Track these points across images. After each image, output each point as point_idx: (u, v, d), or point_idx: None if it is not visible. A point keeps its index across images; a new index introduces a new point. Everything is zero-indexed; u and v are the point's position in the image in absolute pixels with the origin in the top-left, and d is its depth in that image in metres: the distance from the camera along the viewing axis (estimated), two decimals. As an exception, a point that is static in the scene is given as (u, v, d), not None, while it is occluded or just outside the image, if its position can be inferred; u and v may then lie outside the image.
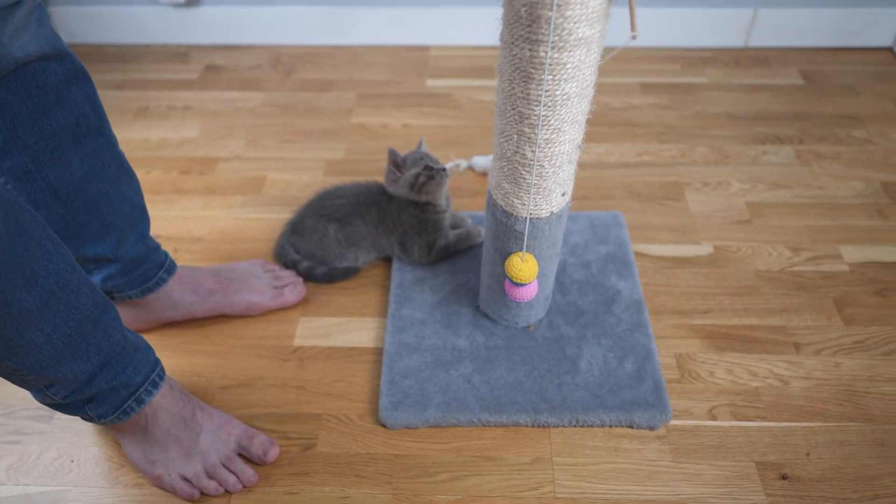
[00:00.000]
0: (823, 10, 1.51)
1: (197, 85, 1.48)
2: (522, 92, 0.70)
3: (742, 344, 0.98)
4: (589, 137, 1.34)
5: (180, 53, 1.57)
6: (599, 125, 1.37)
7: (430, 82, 1.48)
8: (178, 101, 1.44)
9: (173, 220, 1.17)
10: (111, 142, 0.83)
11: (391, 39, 1.59)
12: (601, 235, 1.10)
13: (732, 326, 1.01)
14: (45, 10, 0.71)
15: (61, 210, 0.79)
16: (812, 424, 0.89)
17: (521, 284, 0.83)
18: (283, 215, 1.17)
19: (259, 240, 1.13)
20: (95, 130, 0.79)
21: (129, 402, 0.78)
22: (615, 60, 1.54)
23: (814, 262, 1.10)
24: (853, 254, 1.11)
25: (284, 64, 1.54)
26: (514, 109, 0.72)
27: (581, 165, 1.27)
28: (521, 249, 0.84)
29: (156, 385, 0.80)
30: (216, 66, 1.54)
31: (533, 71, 0.68)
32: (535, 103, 0.70)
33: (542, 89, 0.69)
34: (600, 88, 1.47)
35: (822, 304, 1.04)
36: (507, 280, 0.85)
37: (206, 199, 1.21)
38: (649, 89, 1.47)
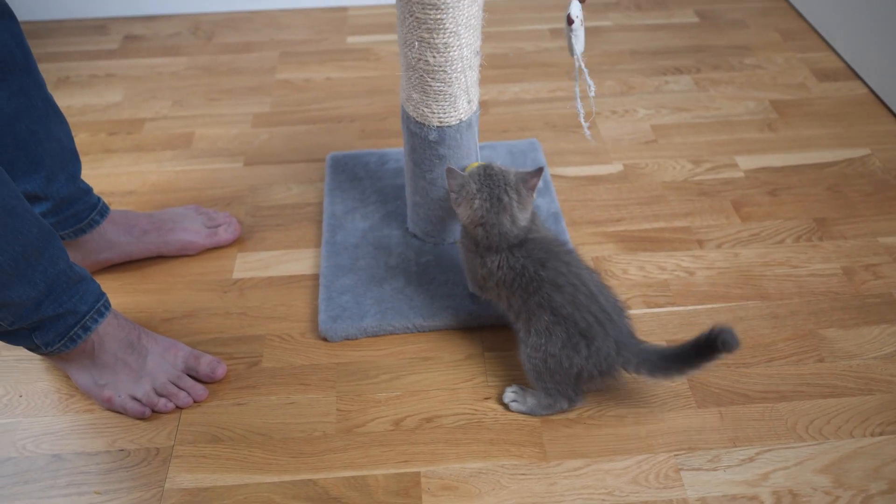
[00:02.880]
0: (713, -46, 1.63)
1: (118, 54, 1.49)
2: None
3: (652, 244, 1.07)
4: (505, 78, 1.42)
5: (98, 26, 1.57)
6: (515, 67, 1.45)
7: (351, 39, 1.53)
8: (100, 69, 1.44)
9: (104, 177, 1.18)
10: (38, 82, 0.85)
11: (309, 2, 1.62)
12: (519, 161, 1.18)
13: (643, 230, 1.10)
14: None
15: (-13, 146, 0.81)
16: (715, 306, 0.99)
17: None
18: (214, 165, 1.20)
19: (192, 189, 1.16)
20: (22, 69, 0.81)
21: (76, 329, 0.80)
22: (525, 9, 1.62)
23: (713, 172, 1.20)
24: (747, 162, 1.22)
25: (204, 30, 1.56)
26: (411, 16, 0.78)
27: (499, 103, 1.35)
28: (437, 160, 0.90)
29: (101, 314, 0.82)
30: (136, 36, 1.54)
31: (424, -26, 0.74)
32: (429, 7, 0.76)
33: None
34: (514, 35, 1.55)
35: (722, 206, 1.14)
36: None
37: (136, 155, 1.22)
38: (558, 34, 1.56)
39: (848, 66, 1.44)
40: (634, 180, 1.18)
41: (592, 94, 0.78)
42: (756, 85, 1.40)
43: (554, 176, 1.18)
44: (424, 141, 0.87)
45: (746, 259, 1.05)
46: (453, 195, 0.80)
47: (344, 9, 1.63)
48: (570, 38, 0.75)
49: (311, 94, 1.37)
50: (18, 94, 0.81)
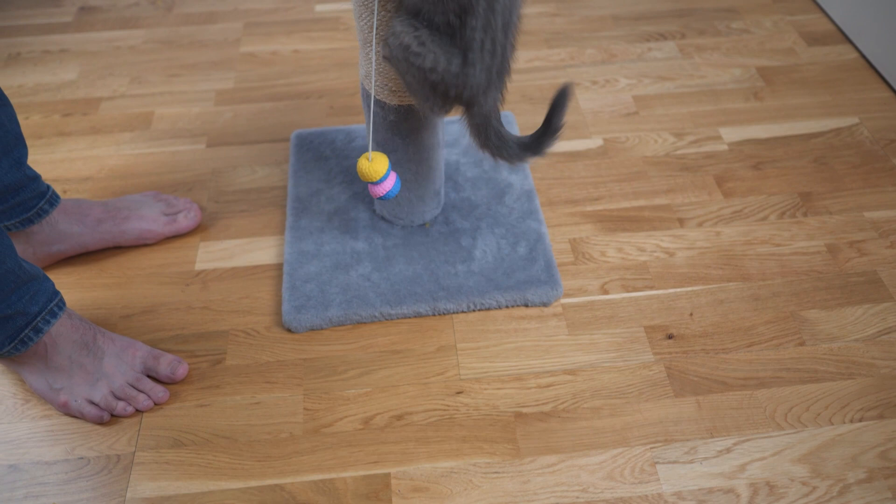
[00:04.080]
0: None
1: (72, 27, 1.40)
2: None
3: (631, 224, 1.04)
4: (481, 48, 1.35)
5: (51, -4, 1.48)
6: (491, 35, 1.38)
7: (319, 7, 1.45)
8: (53, 44, 1.36)
9: (59, 163, 1.12)
10: None
11: (276, -33, 1.53)
12: (495, 137, 1.13)
13: (622, 209, 1.06)
14: None
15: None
16: (695, 288, 0.95)
17: (376, 182, 0.80)
18: (175, 147, 1.15)
19: (152, 174, 1.11)
20: None
21: (27, 331, 0.76)
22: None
23: (696, 145, 1.15)
24: (731, 134, 1.17)
25: (164, 0, 1.47)
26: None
27: (474, 75, 1.29)
28: (395, 134, 0.84)
29: (54, 314, 0.78)
30: (91, 7, 1.46)
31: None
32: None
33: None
34: (491, 1, 1.47)
35: (704, 181, 1.10)
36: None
37: (92, 138, 1.16)
38: (538, -2, 1.48)
39: (839, 29, 1.38)
40: (614, 155, 1.14)
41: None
42: (743, 51, 1.34)
43: (531, 153, 1.13)
44: (385, 121, 0.82)
45: (728, 238, 1.02)
46: None
47: (312, -27, 1.55)
48: None
49: (278, 69, 1.30)
50: None
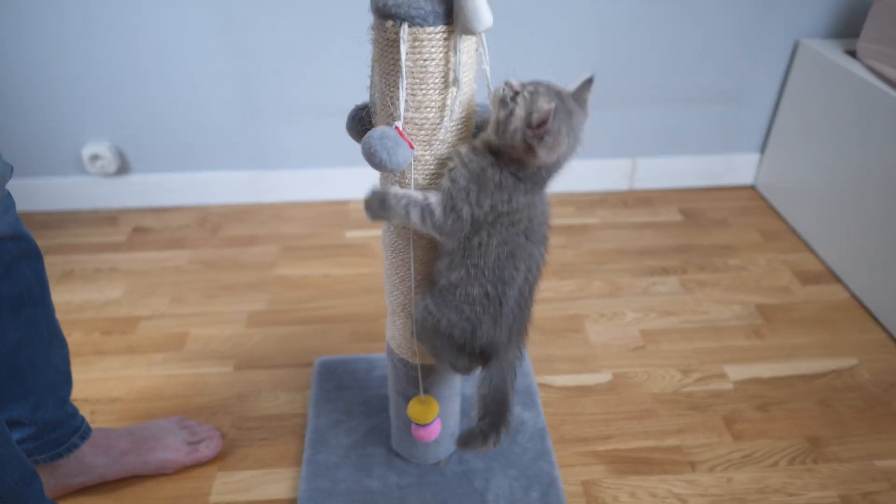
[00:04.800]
0: (692, 157, 1.74)
1: (125, 247, 1.55)
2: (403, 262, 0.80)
3: (643, 466, 1.05)
4: (496, 278, 1.46)
5: (109, 217, 1.65)
6: (505, 266, 1.49)
7: (349, 234, 1.60)
8: (105, 263, 1.50)
9: (92, 383, 1.18)
10: (48, 311, 0.88)
11: (312, 196, 1.72)
12: (508, 370, 1.18)
13: (633, 450, 1.07)
14: (12, 199, 0.79)
15: (-16, 373, 0.82)
16: (710, 541, 0.94)
17: (424, 425, 0.88)
18: (204, 369, 1.21)
19: (179, 396, 1.16)
20: (37, 301, 0.85)
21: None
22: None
23: (702, 383, 1.20)
24: (736, 372, 1.22)
25: (211, 222, 1.64)
26: (396, 275, 0.82)
27: (489, 304, 1.38)
28: (419, 392, 0.90)
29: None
30: (144, 228, 1.62)
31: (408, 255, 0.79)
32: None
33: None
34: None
35: (713, 422, 1.12)
36: (412, 423, 0.90)
37: (127, 358, 1.23)
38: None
39: (828, 268, 1.48)
40: (623, 391, 1.18)
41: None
42: (741, 287, 1.43)
43: (541, 385, 1.18)
44: (408, 376, 0.88)
45: (740, 485, 1.02)
46: (549, 139, 0.65)
47: (345, 202, 1.72)
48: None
49: (307, 292, 1.41)
50: (27, 325, 0.84)
